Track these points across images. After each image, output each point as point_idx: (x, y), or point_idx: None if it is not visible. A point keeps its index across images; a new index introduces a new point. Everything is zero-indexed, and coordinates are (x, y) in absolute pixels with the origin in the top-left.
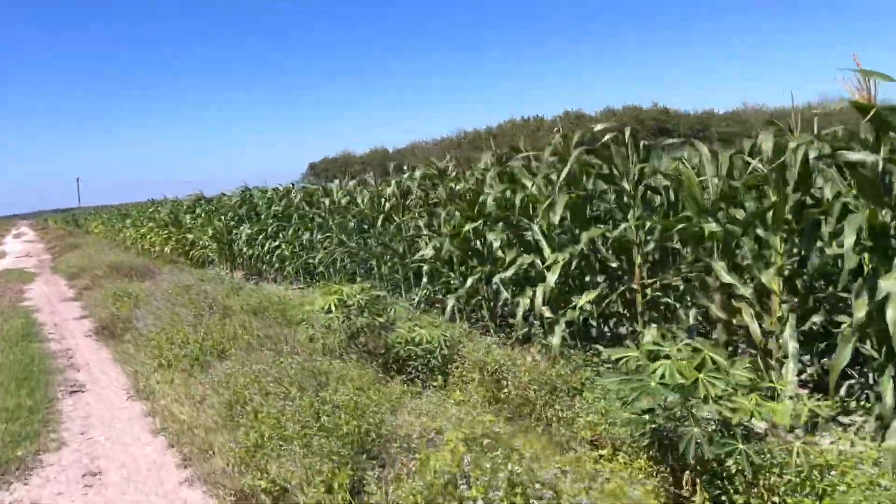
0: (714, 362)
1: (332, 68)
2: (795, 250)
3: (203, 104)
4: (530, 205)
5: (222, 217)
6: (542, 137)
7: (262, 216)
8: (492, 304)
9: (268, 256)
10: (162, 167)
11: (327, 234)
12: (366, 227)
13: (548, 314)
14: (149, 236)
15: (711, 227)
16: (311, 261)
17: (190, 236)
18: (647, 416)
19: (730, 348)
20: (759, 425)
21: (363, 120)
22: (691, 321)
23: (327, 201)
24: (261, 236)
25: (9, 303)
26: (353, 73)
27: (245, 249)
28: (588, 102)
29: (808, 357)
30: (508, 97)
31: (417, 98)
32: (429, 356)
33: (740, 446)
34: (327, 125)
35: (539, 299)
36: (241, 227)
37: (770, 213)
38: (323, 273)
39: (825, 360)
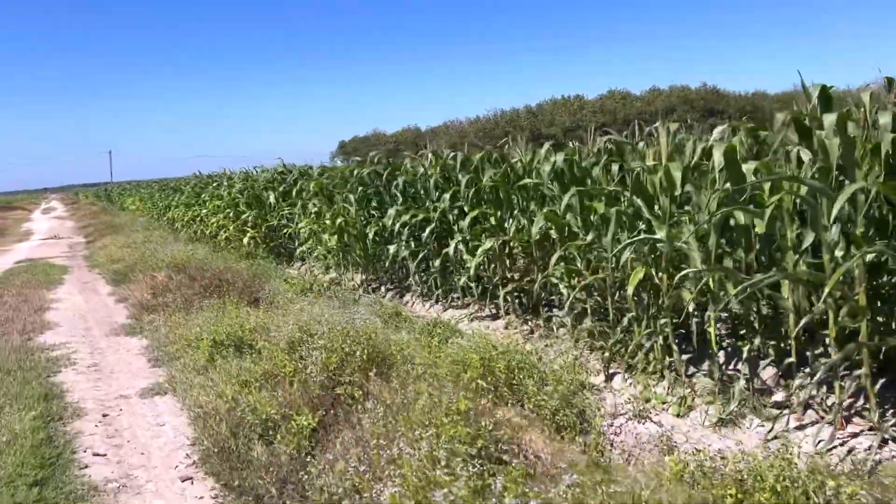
0: None
1: (361, 46)
2: None
3: (231, 82)
4: None
5: (349, 198)
6: (584, 117)
7: (429, 196)
8: None
9: (436, 262)
10: (190, 143)
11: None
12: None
13: None
14: (214, 220)
15: None
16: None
17: (271, 221)
18: None
19: None
20: None
21: (394, 99)
22: None
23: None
24: (427, 230)
25: (20, 338)
26: (383, 50)
27: (392, 249)
28: (633, 81)
29: None
30: (547, 76)
31: (451, 76)
32: None
33: None
34: (357, 104)
35: None
36: (387, 213)
37: None
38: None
39: None
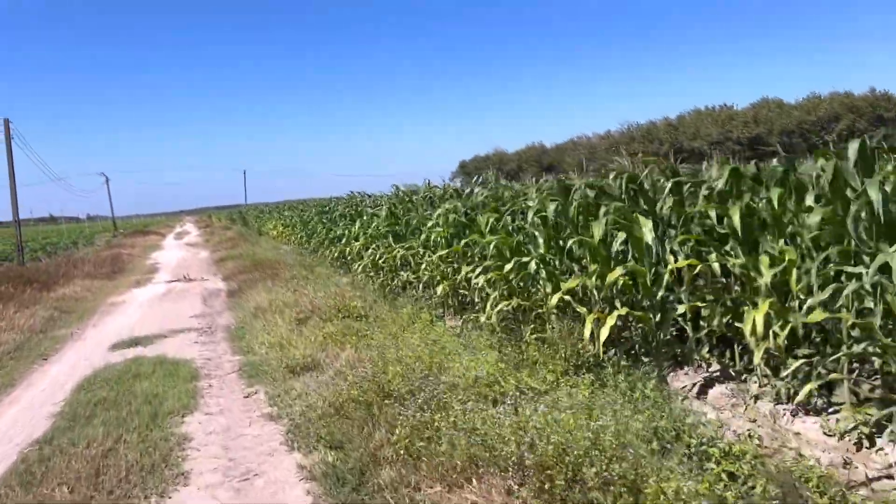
0: None
1: (478, 62)
2: None
3: (354, 102)
4: None
5: None
6: (734, 129)
7: None
8: None
9: None
10: (307, 164)
11: None
12: None
13: None
14: (480, 275)
15: None
16: None
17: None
18: None
19: None
20: None
21: (516, 115)
22: None
23: None
24: None
25: None
26: (505, 66)
27: None
28: (786, 89)
29: None
30: (688, 85)
31: (576, 90)
32: None
33: None
34: (478, 122)
35: None
36: None
37: None
38: None
39: None
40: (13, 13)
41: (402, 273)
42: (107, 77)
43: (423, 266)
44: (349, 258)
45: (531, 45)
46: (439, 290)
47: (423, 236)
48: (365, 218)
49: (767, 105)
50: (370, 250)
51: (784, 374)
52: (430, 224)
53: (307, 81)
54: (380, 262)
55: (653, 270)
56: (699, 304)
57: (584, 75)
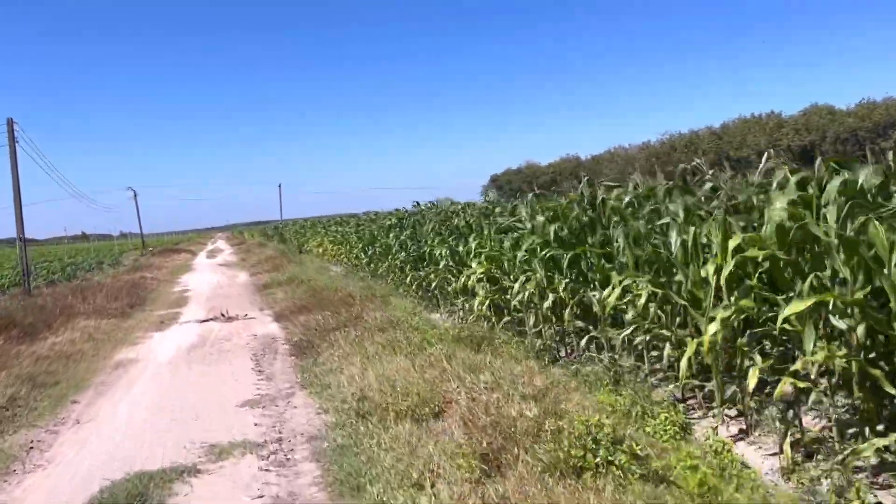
0: None
1: (509, 71)
2: None
3: (380, 115)
4: None
5: None
6: (784, 137)
7: None
8: None
9: None
10: (344, 178)
11: None
12: None
13: None
14: None
15: None
16: None
17: None
18: None
19: None
20: None
21: (548, 127)
22: None
23: None
24: None
25: None
26: (536, 76)
27: None
28: (837, 95)
29: None
30: (732, 93)
31: (612, 99)
32: None
33: None
34: (507, 135)
35: None
36: None
37: None
38: None
39: None
40: (38, 30)
41: (577, 322)
42: (136, 91)
43: (708, 333)
44: (452, 289)
45: (564, 55)
46: (750, 382)
47: (701, 270)
48: (486, 232)
49: (818, 112)
50: (517, 283)
51: None
52: (733, 242)
53: (333, 96)
54: (540, 302)
55: None
56: None
57: (620, 84)
